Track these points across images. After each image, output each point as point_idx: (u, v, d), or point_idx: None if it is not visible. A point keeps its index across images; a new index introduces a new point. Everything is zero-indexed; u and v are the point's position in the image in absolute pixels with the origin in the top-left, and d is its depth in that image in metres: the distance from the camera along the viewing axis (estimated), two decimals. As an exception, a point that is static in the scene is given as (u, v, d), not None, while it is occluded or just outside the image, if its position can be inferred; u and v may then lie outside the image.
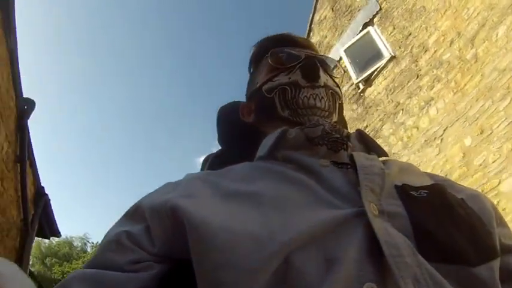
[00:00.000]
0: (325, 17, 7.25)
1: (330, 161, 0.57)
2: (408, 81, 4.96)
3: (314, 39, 7.30)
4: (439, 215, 0.48)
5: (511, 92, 3.77)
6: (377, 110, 5.31)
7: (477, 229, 0.49)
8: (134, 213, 0.56)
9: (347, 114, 5.88)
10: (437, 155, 4.20)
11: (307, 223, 0.44)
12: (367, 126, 5.42)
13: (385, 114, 5.18)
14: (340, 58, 6.22)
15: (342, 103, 0.75)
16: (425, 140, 4.43)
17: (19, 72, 3.44)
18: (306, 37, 6.63)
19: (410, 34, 5.24)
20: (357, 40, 6.04)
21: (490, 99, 3.90)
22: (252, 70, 0.82)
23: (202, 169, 0.81)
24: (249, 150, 0.69)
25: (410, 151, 4.60)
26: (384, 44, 5.62)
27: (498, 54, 4.05)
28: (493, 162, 3.63)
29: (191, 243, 0.46)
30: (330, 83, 0.71)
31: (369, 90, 5.60)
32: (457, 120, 4.14)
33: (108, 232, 0.55)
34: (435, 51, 4.79)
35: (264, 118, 0.72)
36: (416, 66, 4.96)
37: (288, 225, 0.44)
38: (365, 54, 5.88)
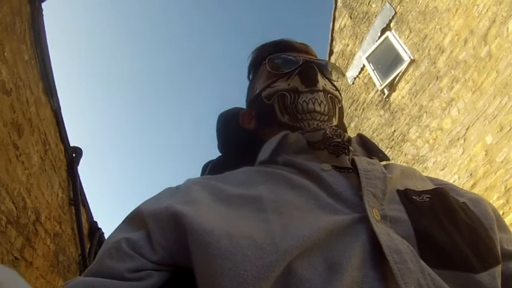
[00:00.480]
0: (344, 25, 7.43)
1: (332, 166, 0.57)
2: (429, 84, 5.13)
3: (337, 48, 7.53)
4: (442, 220, 0.48)
5: (526, 87, 3.88)
6: (403, 114, 5.51)
7: (479, 234, 0.49)
8: (134, 220, 0.55)
9: (375, 120, 6.09)
10: (462, 154, 4.37)
11: (310, 229, 0.44)
12: (395, 130, 5.63)
13: (410, 118, 5.37)
14: (364, 66, 6.41)
15: (341, 106, 0.75)
16: (449, 141, 4.60)
17: (65, 127, 3.90)
18: (329, 46, 6.85)
19: (426, 36, 5.38)
20: (377, 46, 6.24)
21: (507, 96, 4.02)
22: (251, 77, 0.83)
23: (202, 175, 0.81)
24: (249, 158, 0.68)
25: (437, 152, 4.79)
26: (403, 48, 5.78)
27: (510, 49, 4.14)
28: (514, 158, 3.77)
29: (193, 250, 0.46)
30: (329, 87, 0.72)
31: (394, 95, 5.79)
32: (477, 119, 4.29)
33: (107, 239, 0.53)
34: (451, 52, 4.92)
35: (264, 124, 0.73)
36: (435, 68, 5.11)
37: (290, 231, 0.44)
38: (386, 60, 6.07)
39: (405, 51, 5.72)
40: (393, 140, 5.61)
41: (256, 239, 0.44)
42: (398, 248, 0.42)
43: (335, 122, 0.70)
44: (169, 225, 0.50)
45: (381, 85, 5.97)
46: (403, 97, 5.57)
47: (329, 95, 0.70)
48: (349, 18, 7.29)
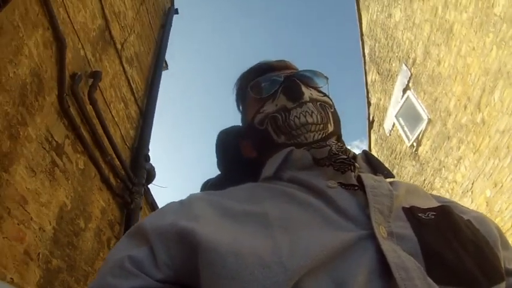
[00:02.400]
0: (375, 80, 8.49)
1: (337, 182, 0.58)
2: (443, 142, 6.18)
3: (373, 101, 8.67)
4: (447, 237, 0.49)
5: (510, 151, 4.90)
6: (428, 166, 6.63)
7: (485, 251, 0.50)
8: (137, 235, 0.55)
9: (410, 169, 7.25)
10: (471, 203, 5.44)
11: (317, 248, 0.45)
12: (424, 180, 6.77)
13: (434, 170, 6.47)
14: (394, 124, 7.54)
15: (334, 111, 0.75)
16: (462, 192, 5.71)
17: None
18: (366, 98, 8.15)
19: (436, 99, 6.34)
20: (402, 104, 7.23)
21: (497, 158, 5.06)
22: (240, 108, 0.84)
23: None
24: (250, 178, 0.69)
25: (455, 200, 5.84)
26: (422, 108, 6.72)
27: (497, 117, 5.08)
28: (506, 209, 4.87)
29: (200, 268, 0.46)
30: (316, 95, 0.73)
31: (420, 149, 6.89)
32: (479, 176, 5.37)
33: (110, 255, 0.54)
34: (456, 116, 5.91)
35: (264, 150, 0.73)
36: (445, 129, 6.13)
37: (297, 249, 0.45)
38: (411, 117, 7.04)
39: (423, 111, 6.67)
40: (424, 187, 6.72)
41: (263, 257, 0.44)
42: (405, 265, 0.43)
43: (331, 128, 0.71)
44: (174, 242, 0.51)
45: (409, 141, 7.09)
46: (427, 152, 6.65)
47: (318, 103, 0.71)
48: (377, 74, 8.31)
